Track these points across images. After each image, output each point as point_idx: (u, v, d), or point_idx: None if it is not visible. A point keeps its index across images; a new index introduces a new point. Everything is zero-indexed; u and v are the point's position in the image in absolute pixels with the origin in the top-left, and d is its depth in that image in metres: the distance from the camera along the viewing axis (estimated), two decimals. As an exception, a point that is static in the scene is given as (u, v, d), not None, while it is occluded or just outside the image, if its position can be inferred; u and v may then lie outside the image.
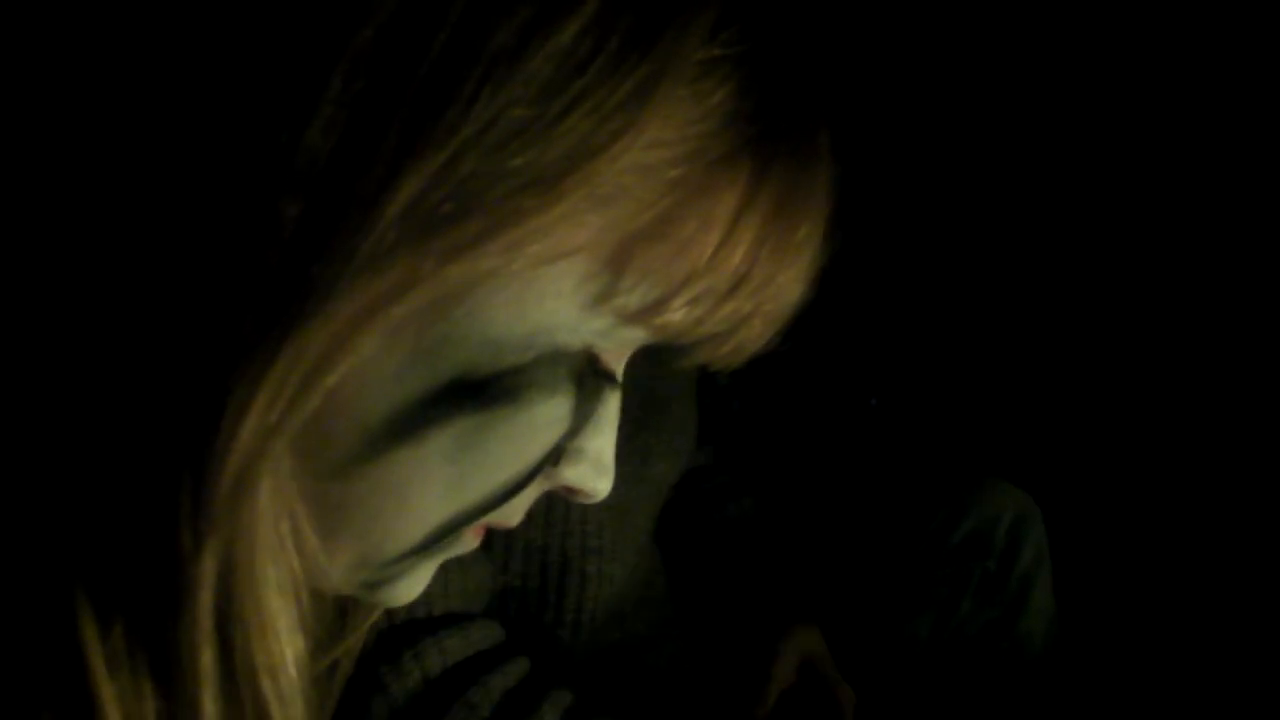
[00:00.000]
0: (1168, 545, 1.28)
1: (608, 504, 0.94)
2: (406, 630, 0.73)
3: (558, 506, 0.91)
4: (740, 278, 0.41)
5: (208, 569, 0.36)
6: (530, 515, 0.58)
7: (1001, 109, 1.38)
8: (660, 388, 1.04)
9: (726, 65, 0.39)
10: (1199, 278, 1.39)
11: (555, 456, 0.43)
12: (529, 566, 0.87)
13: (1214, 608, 1.18)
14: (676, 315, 0.41)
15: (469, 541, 0.45)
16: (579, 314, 0.40)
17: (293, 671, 0.39)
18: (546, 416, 0.41)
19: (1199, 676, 1.03)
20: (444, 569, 0.74)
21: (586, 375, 0.42)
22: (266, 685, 0.38)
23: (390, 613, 0.72)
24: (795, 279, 0.42)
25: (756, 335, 0.43)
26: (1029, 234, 1.43)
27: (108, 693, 0.37)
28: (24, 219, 0.38)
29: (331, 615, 0.51)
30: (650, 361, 0.91)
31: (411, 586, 0.45)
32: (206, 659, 0.37)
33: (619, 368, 0.45)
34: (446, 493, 0.41)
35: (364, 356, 0.37)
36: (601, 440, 0.45)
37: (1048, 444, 1.34)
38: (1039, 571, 1.16)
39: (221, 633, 0.37)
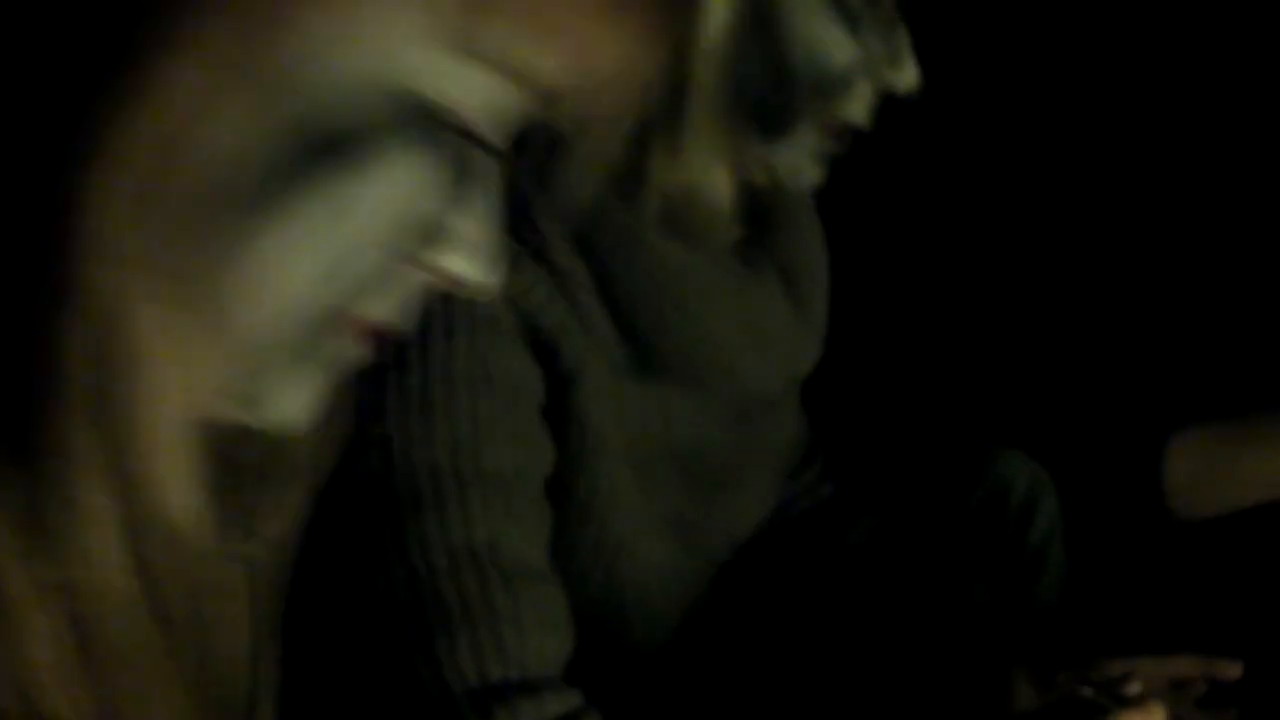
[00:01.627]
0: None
1: None
2: (500, 689, 0.72)
3: None
4: (608, 11, 0.39)
5: (71, 334, 0.33)
6: None
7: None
8: None
9: None
10: (1212, 254, 1.38)
11: (424, 235, 0.41)
12: None
13: (1222, 568, 1.17)
14: (541, 58, 0.39)
15: (351, 349, 0.42)
16: (429, 59, 0.38)
17: (182, 455, 0.36)
18: (404, 175, 0.39)
19: (1210, 645, 1.02)
20: (527, 630, 0.73)
21: (450, 135, 0.40)
22: (157, 467, 0.35)
23: (482, 670, 0.71)
24: (648, 37, 0.41)
25: (615, 102, 0.42)
26: (1050, 204, 1.43)
27: None
28: None
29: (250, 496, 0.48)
30: None
31: (295, 401, 0.42)
32: (83, 441, 0.34)
33: (495, 135, 0.42)
34: (308, 265, 0.38)
35: (232, 110, 0.35)
36: (474, 223, 0.43)
37: (1061, 414, 1.34)
38: (1052, 541, 1.15)
39: (99, 411, 0.34)
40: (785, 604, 1.03)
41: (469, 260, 0.42)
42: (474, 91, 0.40)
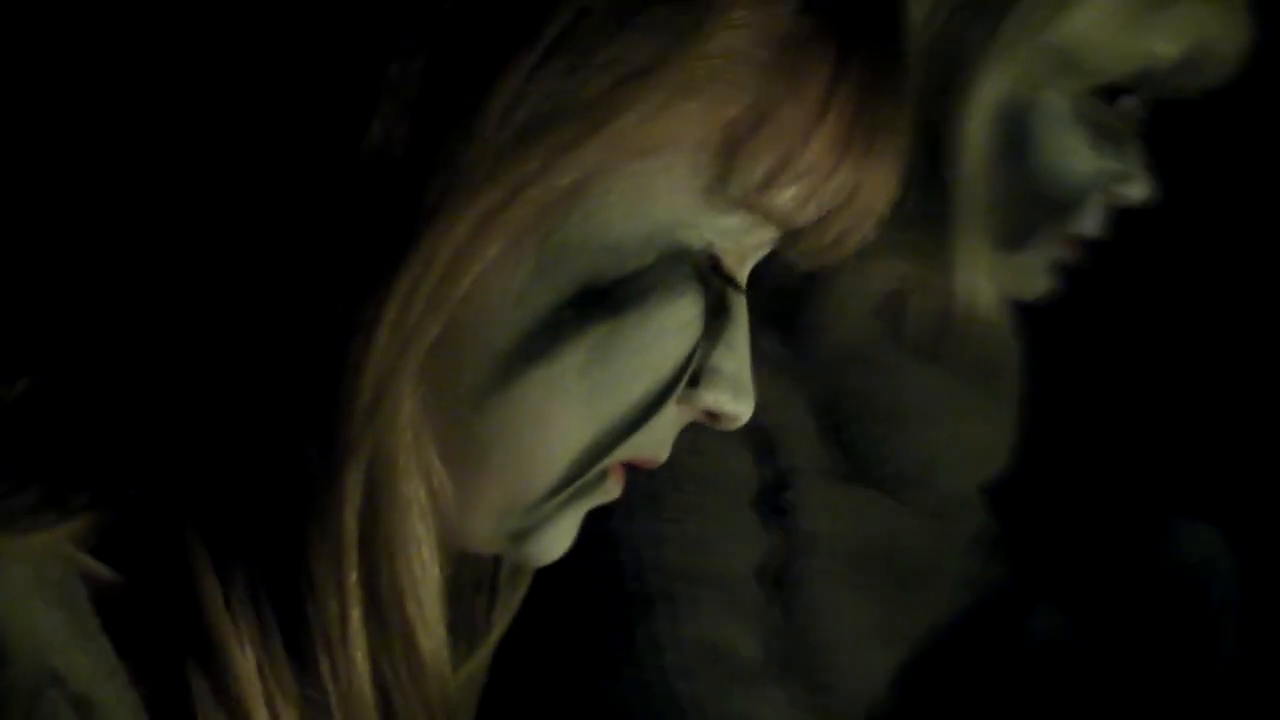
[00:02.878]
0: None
1: None
2: None
3: None
4: (839, 151, 0.41)
5: (351, 487, 0.36)
6: None
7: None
8: None
9: None
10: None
11: (691, 376, 0.43)
12: None
13: None
14: (784, 195, 0.41)
15: (612, 487, 0.44)
16: (693, 207, 0.41)
17: (434, 596, 0.39)
18: (676, 320, 0.41)
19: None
20: None
21: (711, 278, 0.42)
22: (411, 607, 0.38)
23: None
24: (889, 157, 0.43)
25: (858, 220, 0.44)
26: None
27: (230, 636, 0.37)
28: (156, 153, 0.39)
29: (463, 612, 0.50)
30: None
31: (559, 538, 0.44)
32: (352, 579, 0.37)
33: (742, 274, 0.45)
34: (584, 414, 0.41)
35: (487, 262, 0.37)
36: (735, 360, 0.45)
37: (1236, 478, 1.35)
38: (1228, 607, 1.18)
39: (365, 554, 0.37)
40: (975, 695, 1.05)
41: (729, 395, 0.45)
42: (729, 234, 0.42)
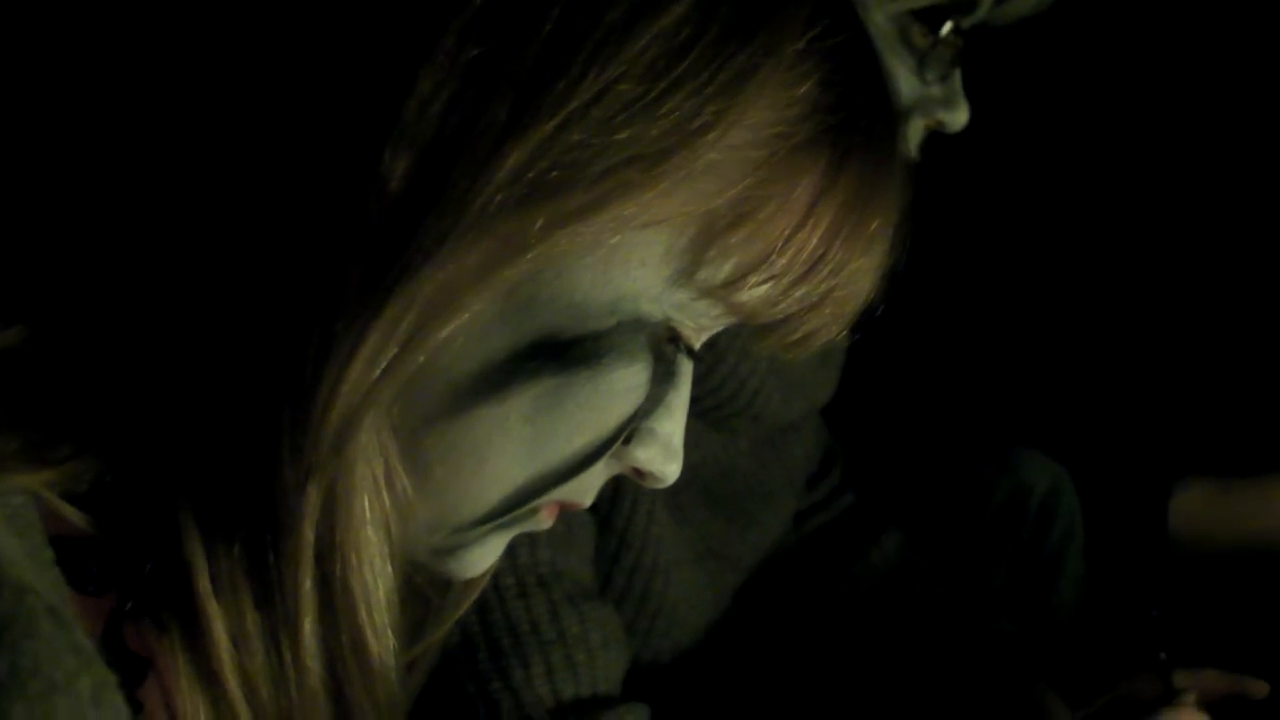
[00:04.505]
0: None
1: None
2: (576, 709, 0.74)
3: None
4: (815, 261, 0.42)
5: (311, 502, 0.38)
6: None
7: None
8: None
9: (815, 58, 0.42)
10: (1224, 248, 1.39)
11: (628, 434, 0.44)
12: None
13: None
14: (754, 293, 0.42)
15: (543, 519, 0.46)
16: (661, 285, 0.41)
17: (385, 604, 0.41)
18: (624, 384, 0.42)
19: (1230, 638, 1.04)
20: (595, 650, 0.75)
21: (665, 347, 0.43)
22: (362, 614, 0.40)
23: (557, 692, 0.73)
24: (867, 269, 0.44)
25: (827, 323, 0.45)
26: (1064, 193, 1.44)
27: (213, 609, 0.39)
28: (149, 167, 0.40)
29: (418, 610, 0.53)
30: None
31: (480, 560, 0.46)
32: (307, 585, 0.39)
33: (698, 345, 0.46)
34: (522, 456, 0.42)
35: (474, 314, 0.39)
36: (672, 423, 0.46)
37: (1077, 412, 1.35)
38: (1071, 542, 1.17)
39: (321, 563, 0.39)
40: (810, 623, 1.05)
41: (660, 456, 0.46)
42: (691, 314, 0.43)
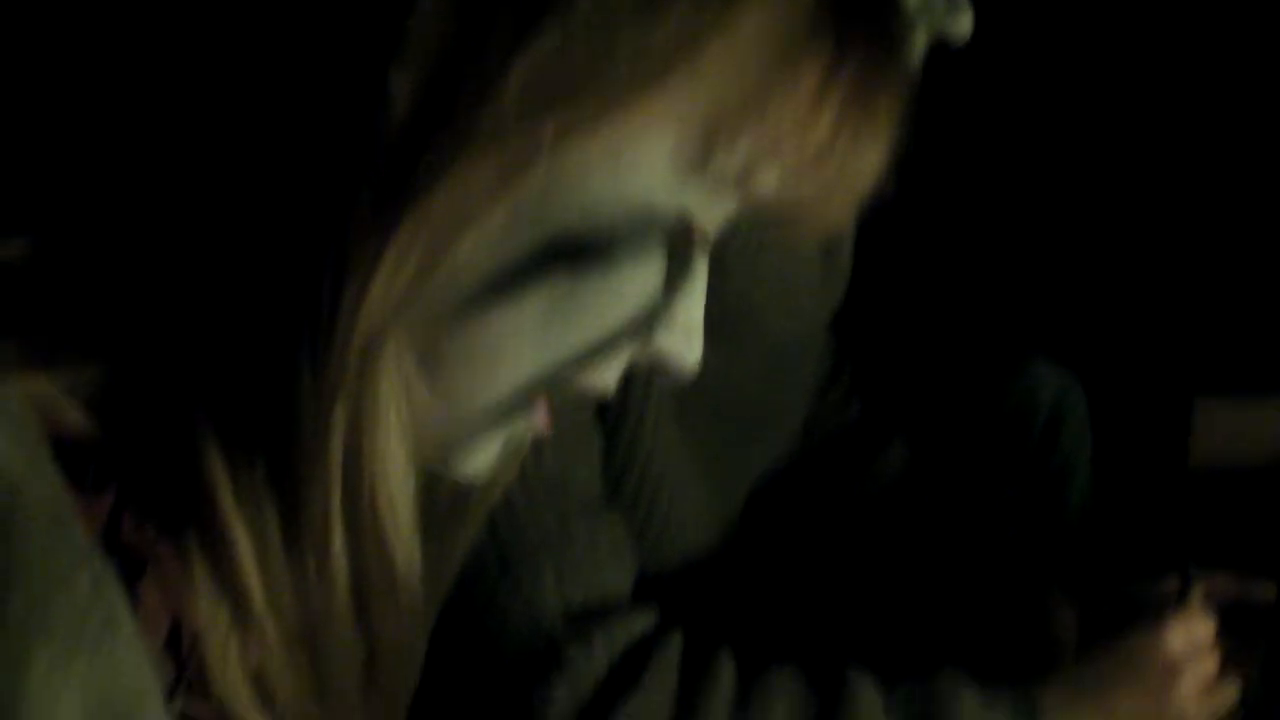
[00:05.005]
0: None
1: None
2: (586, 614, 0.75)
3: None
4: (823, 149, 0.43)
5: (338, 420, 0.39)
6: None
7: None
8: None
9: None
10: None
11: (647, 323, 0.45)
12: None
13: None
14: (764, 181, 0.43)
15: (539, 418, 0.47)
16: (672, 180, 0.42)
17: (409, 514, 0.42)
18: (638, 279, 0.43)
19: (1242, 550, 1.05)
20: (603, 556, 0.76)
21: (678, 239, 0.44)
22: (389, 525, 0.41)
23: (567, 597, 0.74)
24: (875, 156, 0.44)
25: (836, 211, 0.45)
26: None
27: (237, 524, 0.40)
28: (160, 95, 0.40)
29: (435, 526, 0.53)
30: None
31: (483, 457, 0.47)
32: (336, 501, 0.40)
33: (712, 234, 0.47)
34: (538, 354, 0.43)
35: (488, 226, 0.39)
36: (691, 311, 0.47)
37: (1089, 319, 1.35)
38: (1080, 449, 1.17)
39: (348, 478, 0.40)
40: (820, 532, 1.06)
41: (683, 344, 0.47)
42: (704, 205, 0.43)
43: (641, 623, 0.77)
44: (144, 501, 0.41)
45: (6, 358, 0.38)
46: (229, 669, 0.41)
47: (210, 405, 0.40)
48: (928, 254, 1.40)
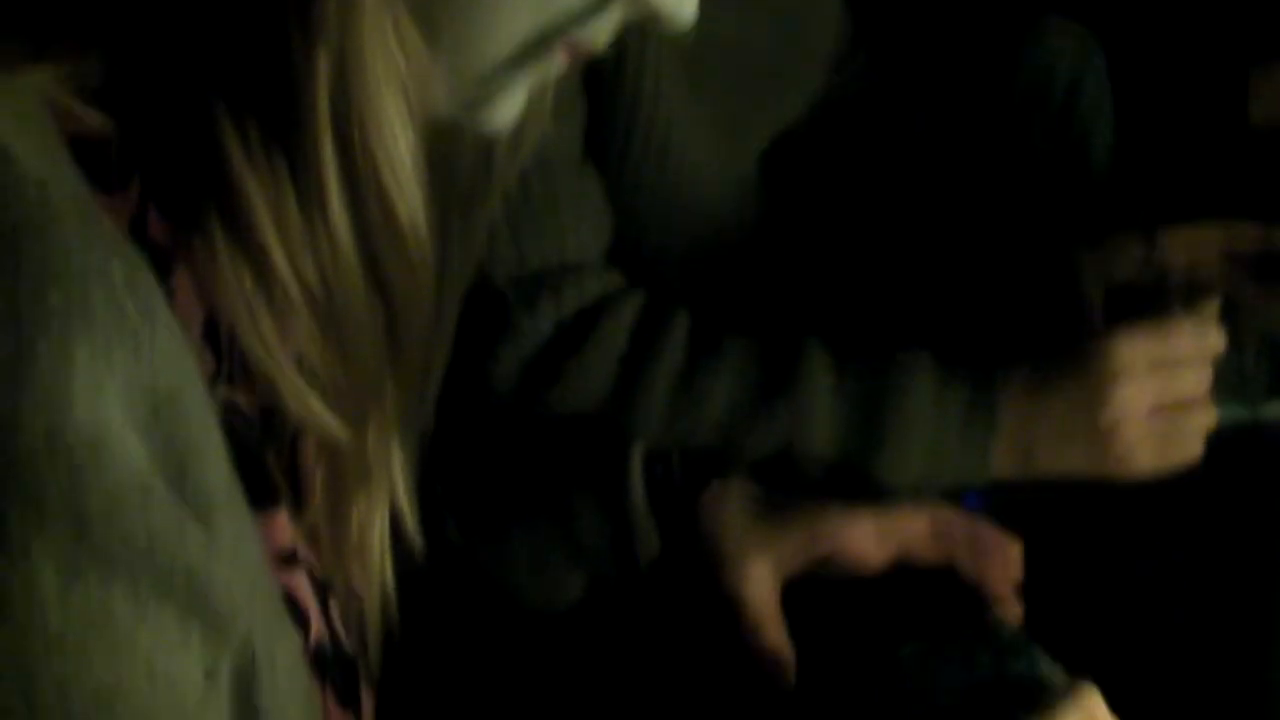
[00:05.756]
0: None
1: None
2: (541, 275, 0.74)
3: None
4: None
5: (321, 68, 0.38)
6: None
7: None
8: None
9: None
10: None
11: None
12: None
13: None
14: None
15: (559, 61, 0.47)
16: None
17: (409, 165, 0.41)
18: None
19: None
20: (564, 216, 0.75)
21: None
22: (386, 175, 0.41)
23: (522, 257, 0.73)
24: None
25: None
26: None
27: (250, 182, 0.39)
28: None
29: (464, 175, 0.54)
30: None
31: (507, 108, 0.47)
32: (328, 152, 0.39)
33: None
34: (532, 4, 0.43)
35: None
36: None
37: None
38: (1101, 112, 1.14)
39: (339, 129, 0.39)
40: (837, 195, 1.05)
41: None
42: None
43: (596, 285, 0.77)
44: (166, 192, 0.40)
45: (8, 53, 0.37)
46: (271, 350, 0.41)
47: (210, 73, 0.39)
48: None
